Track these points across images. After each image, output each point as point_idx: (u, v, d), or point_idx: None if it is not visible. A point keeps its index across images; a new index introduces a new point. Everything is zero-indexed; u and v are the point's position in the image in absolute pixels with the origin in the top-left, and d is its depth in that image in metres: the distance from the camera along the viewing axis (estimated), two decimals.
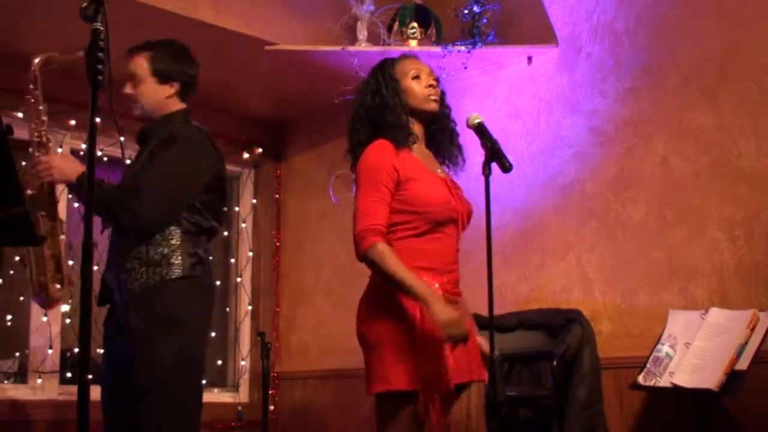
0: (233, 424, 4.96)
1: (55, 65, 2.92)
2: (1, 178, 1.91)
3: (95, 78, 1.94)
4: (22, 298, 4.47)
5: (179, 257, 2.78)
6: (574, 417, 3.46)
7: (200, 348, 2.84)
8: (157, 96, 2.95)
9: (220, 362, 5.19)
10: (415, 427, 2.49)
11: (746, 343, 2.97)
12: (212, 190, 2.91)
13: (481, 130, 2.60)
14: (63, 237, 2.97)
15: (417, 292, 2.45)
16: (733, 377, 2.92)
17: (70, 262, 4.51)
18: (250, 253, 5.33)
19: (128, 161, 3.15)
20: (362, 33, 4.34)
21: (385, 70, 2.75)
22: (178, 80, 2.96)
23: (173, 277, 2.76)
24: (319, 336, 5.07)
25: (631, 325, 3.69)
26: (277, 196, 5.45)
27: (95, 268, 2.03)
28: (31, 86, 2.91)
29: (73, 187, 2.89)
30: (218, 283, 4.58)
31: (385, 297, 2.56)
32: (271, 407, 5.04)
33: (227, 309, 5.29)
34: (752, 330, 2.98)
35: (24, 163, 3.02)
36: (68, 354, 4.55)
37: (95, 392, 2.27)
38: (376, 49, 4.24)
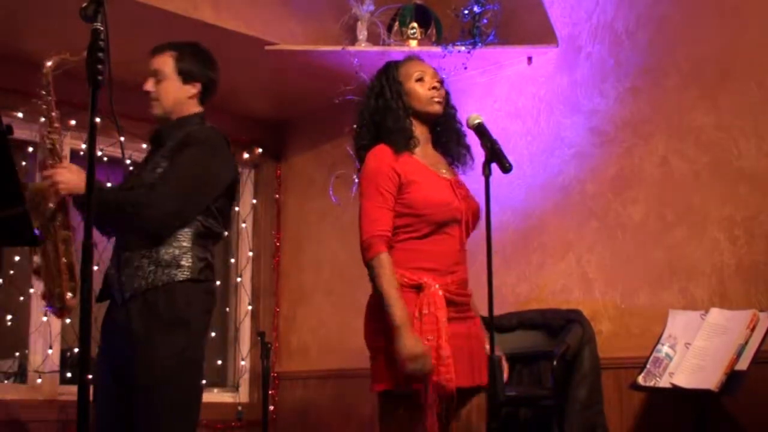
0: (233, 424, 4.96)
1: (67, 66, 2.89)
2: (1, 178, 1.91)
3: (95, 78, 1.94)
4: (22, 298, 4.47)
5: (189, 260, 2.78)
6: (574, 417, 3.46)
7: (201, 349, 2.84)
8: (179, 95, 2.95)
9: (220, 362, 5.19)
10: (413, 426, 2.50)
11: (746, 343, 2.96)
12: (228, 194, 2.93)
13: (481, 130, 2.60)
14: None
15: (393, 318, 2.48)
16: (733, 377, 2.92)
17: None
18: (250, 253, 5.34)
19: (128, 161, 3.14)
20: (362, 33, 4.34)
21: (389, 73, 2.78)
22: (201, 81, 2.96)
23: (181, 279, 2.75)
24: (319, 336, 5.07)
25: (631, 325, 3.69)
26: (277, 196, 5.46)
27: (95, 268, 2.03)
28: (43, 92, 2.83)
29: (82, 200, 2.79)
30: (218, 283, 4.58)
31: None
32: (271, 407, 5.04)
33: (227, 309, 5.29)
34: (752, 330, 2.98)
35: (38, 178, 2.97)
36: (68, 354, 4.55)
37: None
38: (376, 49, 4.24)
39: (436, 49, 4.15)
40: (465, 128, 2.79)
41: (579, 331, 3.61)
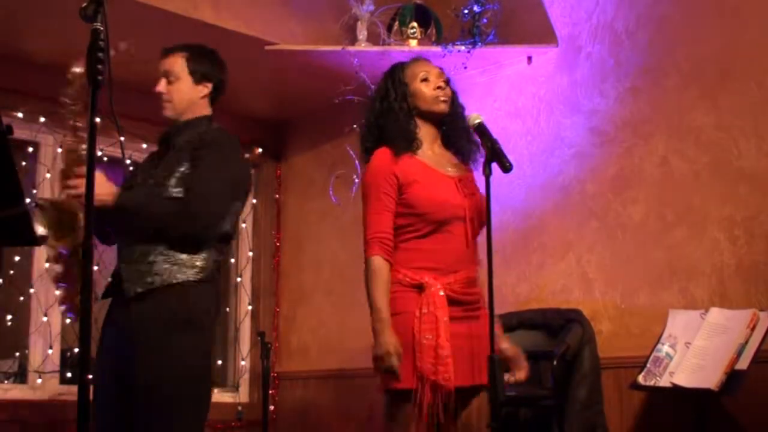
0: (233, 424, 4.97)
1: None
2: (1, 178, 1.91)
3: (95, 78, 1.94)
4: (22, 298, 4.48)
5: (204, 260, 2.79)
6: (574, 417, 3.46)
7: (210, 350, 2.85)
8: (192, 95, 2.95)
9: (220, 362, 5.19)
10: (415, 424, 2.51)
11: (746, 342, 2.96)
12: (245, 196, 2.97)
13: (481, 130, 2.62)
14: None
15: (374, 319, 2.57)
16: (733, 377, 2.92)
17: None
18: (250, 253, 5.34)
19: (128, 161, 3.14)
20: (362, 33, 4.34)
21: (395, 75, 2.82)
22: (212, 81, 2.98)
23: (196, 279, 2.76)
24: (319, 336, 5.07)
25: (631, 325, 3.69)
26: (277, 196, 5.46)
27: (95, 268, 2.03)
28: (69, 102, 2.69)
29: (108, 211, 2.72)
30: None
31: (390, 301, 2.62)
32: (271, 407, 5.04)
33: (227, 309, 5.28)
34: (752, 330, 2.98)
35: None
36: (68, 354, 4.55)
37: None
38: (376, 49, 4.24)
39: (436, 49, 4.15)
40: None
41: (579, 331, 3.61)
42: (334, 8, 4.43)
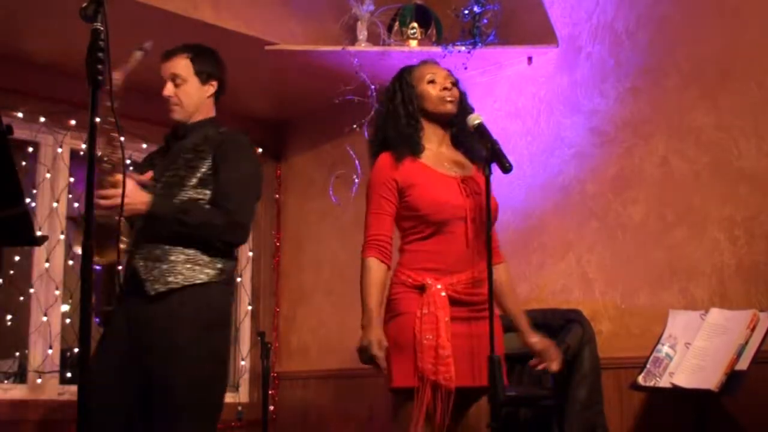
0: (233, 424, 4.96)
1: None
2: (1, 178, 1.91)
3: (95, 78, 1.94)
4: (22, 298, 4.48)
5: (225, 262, 2.80)
6: (574, 417, 3.46)
7: (229, 349, 2.87)
8: (200, 95, 2.96)
9: None
10: (416, 423, 2.52)
11: (746, 343, 2.96)
12: None
13: (481, 130, 2.63)
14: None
15: (363, 318, 2.59)
16: (733, 377, 2.92)
17: (70, 262, 4.53)
18: (250, 253, 5.33)
19: (128, 161, 3.15)
20: (362, 33, 4.34)
21: (402, 78, 2.84)
22: (216, 80, 2.99)
23: (218, 280, 2.78)
24: (319, 336, 5.07)
25: (631, 325, 3.69)
26: (277, 196, 5.46)
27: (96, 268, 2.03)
28: (110, 117, 2.60)
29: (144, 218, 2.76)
30: None
31: (390, 301, 2.66)
32: (271, 407, 5.05)
33: None
34: (752, 330, 2.98)
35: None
36: (68, 354, 4.55)
37: None
38: (376, 49, 4.24)
39: (436, 49, 4.15)
40: None
41: (579, 331, 3.60)
42: (334, 8, 4.43)
